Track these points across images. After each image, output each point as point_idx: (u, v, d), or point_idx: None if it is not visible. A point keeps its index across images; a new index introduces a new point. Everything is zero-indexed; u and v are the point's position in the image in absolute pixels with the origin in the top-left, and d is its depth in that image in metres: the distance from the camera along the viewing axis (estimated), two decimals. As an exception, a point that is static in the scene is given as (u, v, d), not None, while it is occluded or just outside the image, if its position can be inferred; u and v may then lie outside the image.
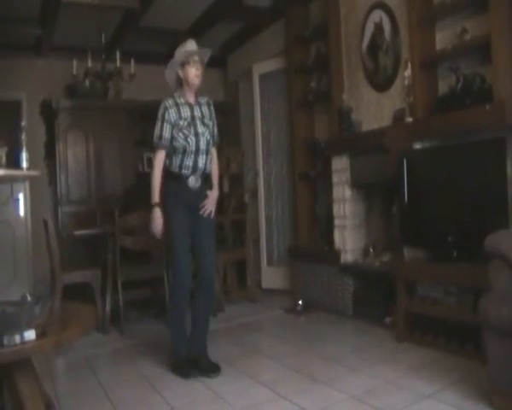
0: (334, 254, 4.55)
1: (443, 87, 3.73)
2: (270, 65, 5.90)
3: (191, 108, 3.28)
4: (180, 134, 3.20)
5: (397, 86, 4.07)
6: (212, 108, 3.39)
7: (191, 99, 3.30)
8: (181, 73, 3.25)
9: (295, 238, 5.49)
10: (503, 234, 2.53)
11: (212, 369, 3.16)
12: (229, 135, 6.51)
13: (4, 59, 5.83)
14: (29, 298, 2.16)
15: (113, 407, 2.74)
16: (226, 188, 6.31)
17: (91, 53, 5.34)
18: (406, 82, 3.82)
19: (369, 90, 4.36)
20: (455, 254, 3.31)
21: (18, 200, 3.93)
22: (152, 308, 4.86)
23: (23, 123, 4.71)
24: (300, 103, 5.33)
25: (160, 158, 3.23)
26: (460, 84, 3.44)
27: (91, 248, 5.10)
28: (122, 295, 4.26)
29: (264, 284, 5.86)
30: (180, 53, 3.24)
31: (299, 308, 4.74)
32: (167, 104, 3.27)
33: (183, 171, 3.22)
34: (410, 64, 3.78)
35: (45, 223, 4.25)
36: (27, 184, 3.96)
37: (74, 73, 5.39)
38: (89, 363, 3.53)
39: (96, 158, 5.99)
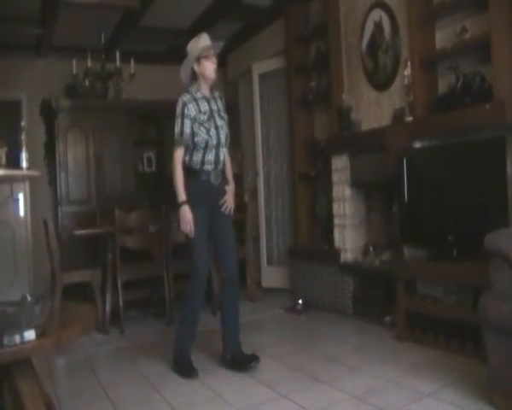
0: (334, 254, 4.55)
1: (443, 86, 3.73)
2: (270, 64, 5.90)
3: (208, 101, 3.27)
4: (202, 128, 3.17)
5: (396, 85, 4.07)
6: (223, 101, 3.39)
7: (207, 93, 3.29)
8: (197, 68, 3.23)
9: (295, 238, 5.48)
10: (503, 233, 2.53)
11: (250, 359, 3.17)
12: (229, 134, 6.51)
13: (4, 59, 5.83)
14: (29, 298, 2.16)
15: (113, 406, 2.75)
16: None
17: (91, 53, 5.35)
18: (406, 81, 3.82)
19: (369, 89, 4.36)
20: (455, 252, 3.31)
21: (18, 200, 3.92)
22: (152, 308, 4.86)
23: (23, 123, 4.70)
24: (300, 103, 5.33)
25: (180, 155, 3.19)
26: (460, 83, 3.44)
27: (91, 247, 5.10)
28: (122, 295, 4.26)
29: (264, 284, 5.86)
30: (195, 48, 3.22)
31: (299, 307, 4.74)
32: (186, 99, 3.21)
33: (206, 166, 3.21)
34: (409, 63, 3.78)
35: (45, 223, 4.25)
36: (27, 184, 3.96)
37: (74, 72, 5.39)
38: (89, 363, 3.53)
39: (96, 158, 5.99)
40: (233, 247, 3.32)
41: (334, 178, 4.58)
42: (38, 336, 1.90)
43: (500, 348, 2.33)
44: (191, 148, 3.20)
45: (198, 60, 3.22)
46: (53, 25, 5.50)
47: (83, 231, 4.59)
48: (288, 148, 5.69)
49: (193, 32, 6.09)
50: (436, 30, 3.78)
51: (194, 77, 3.28)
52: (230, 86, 7.04)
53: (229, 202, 3.30)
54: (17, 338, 1.84)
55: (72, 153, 5.89)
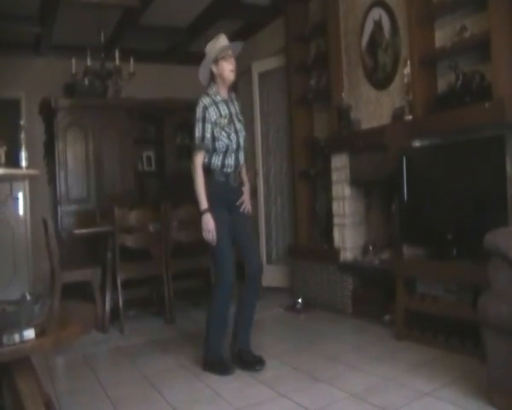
0: (333, 253, 4.55)
1: (442, 85, 3.73)
2: (270, 63, 5.90)
3: (227, 104, 3.25)
4: (223, 133, 3.15)
5: (396, 84, 4.06)
6: (239, 102, 3.39)
7: (225, 95, 3.27)
8: (215, 69, 3.19)
9: (295, 237, 5.48)
10: (503, 232, 2.53)
11: (257, 362, 3.16)
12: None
13: (3, 57, 5.83)
14: (28, 297, 2.16)
15: (112, 405, 2.74)
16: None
17: (90, 51, 5.34)
18: (405, 80, 3.82)
19: (369, 88, 4.36)
20: (454, 251, 3.31)
21: (17, 199, 3.92)
22: (152, 307, 4.86)
23: (22, 122, 4.68)
24: (300, 101, 5.33)
25: (201, 160, 3.15)
26: (459, 82, 3.44)
27: (91, 246, 5.10)
28: (122, 294, 4.25)
29: (264, 282, 5.85)
30: (213, 49, 3.17)
31: (298, 307, 4.74)
32: (206, 103, 3.16)
33: (225, 169, 3.20)
34: (409, 62, 3.78)
35: (45, 222, 4.25)
36: (27, 183, 3.95)
37: (73, 71, 5.38)
38: (88, 362, 3.53)
39: (96, 157, 5.98)
40: (255, 245, 3.37)
41: (334, 176, 4.58)
42: (38, 335, 1.90)
43: (500, 347, 2.33)
44: (211, 151, 3.17)
45: (216, 61, 3.17)
46: (52, 23, 5.50)
47: (82, 230, 4.59)
48: (287, 147, 5.69)
49: (192, 30, 6.13)
50: (436, 29, 3.78)
51: (213, 78, 3.24)
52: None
53: (246, 202, 3.31)
54: (16, 337, 1.84)
55: (72, 152, 5.88)
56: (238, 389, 2.88)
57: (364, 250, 4.46)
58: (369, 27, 4.31)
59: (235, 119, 3.24)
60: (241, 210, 3.28)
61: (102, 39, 5.57)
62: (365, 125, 4.38)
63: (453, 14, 3.61)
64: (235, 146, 3.19)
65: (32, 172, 4.01)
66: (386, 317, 3.90)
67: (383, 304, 3.99)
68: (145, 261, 4.50)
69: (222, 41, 3.19)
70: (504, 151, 3.01)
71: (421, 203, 3.60)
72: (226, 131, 3.16)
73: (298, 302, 4.77)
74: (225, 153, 3.17)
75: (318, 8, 5.16)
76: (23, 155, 3.91)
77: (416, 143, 3.72)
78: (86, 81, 5.69)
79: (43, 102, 5.91)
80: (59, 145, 5.79)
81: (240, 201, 3.28)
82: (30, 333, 1.88)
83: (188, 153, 7.10)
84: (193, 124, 3.17)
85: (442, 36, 3.73)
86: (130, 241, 4.32)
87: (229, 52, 3.18)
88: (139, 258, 4.47)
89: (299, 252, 5.20)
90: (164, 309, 4.46)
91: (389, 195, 4.10)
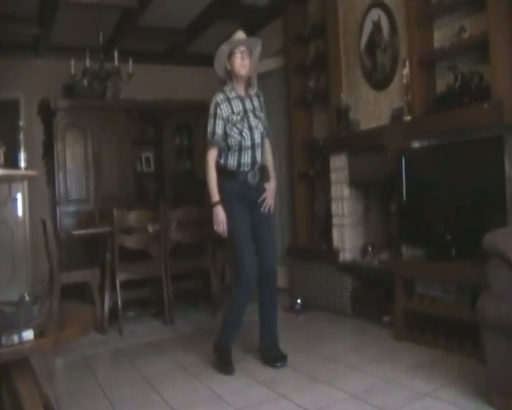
0: (332, 253, 4.55)
1: (441, 85, 3.73)
2: (269, 64, 5.89)
3: (242, 101, 3.22)
4: (234, 129, 3.14)
5: (395, 85, 4.07)
6: (261, 99, 3.34)
7: (241, 92, 3.24)
8: (228, 66, 3.18)
9: (294, 237, 5.48)
10: (502, 232, 2.53)
11: (278, 358, 3.17)
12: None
13: (2, 58, 5.82)
14: (27, 298, 2.15)
15: (111, 406, 2.74)
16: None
17: (89, 52, 5.34)
18: (404, 80, 3.82)
19: (368, 88, 4.36)
20: (453, 252, 3.31)
21: (16, 200, 3.92)
22: (151, 308, 4.85)
23: (21, 122, 4.69)
24: (299, 102, 5.33)
25: (213, 156, 3.16)
26: (458, 83, 3.44)
27: (90, 247, 5.09)
28: (121, 295, 4.25)
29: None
30: (227, 44, 3.16)
31: (297, 307, 4.73)
32: (219, 99, 3.17)
33: (242, 168, 3.17)
34: (408, 62, 3.78)
35: (44, 223, 4.25)
36: (25, 183, 3.95)
37: (72, 72, 5.38)
38: (87, 363, 3.52)
39: (95, 157, 5.98)
40: (273, 245, 3.33)
41: (333, 177, 4.58)
42: (37, 336, 1.90)
43: (498, 347, 2.33)
44: (226, 150, 3.16)
45: (229, 56, 3.16)
46: (51, 24, 5.50)
47: (81, 231, 4.59)
48: (286, 147, 5.69)
49: (191, 31, 6.13)
50: (434, 29, 3.79)
51: (229, 75, 3.23)
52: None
53: (268, 199, 3.26)
54: (15, 338, 1.84)
55: (71, 153, 5.88)
56: (237, 389, 2.88)
57: (363, 251, 4.46)
58: (367, 28, 4.31)
59: (250, 115, 3.20)
60: (262, 209, 3.24)
61: (101, 40, 5.57)
62: (364, 126, 4.38)
63: (452, 14, 3.62)
64: (249, 143, 3.16)
65: (30, 172, 4.01)
66: (386, 318, 3.90)
67: (382, 305, 3.99)
68: (144, 262, 4.50)
69: (236, 35, 3.17)
70: (503, 151, 3.01)
71: (420, 204, 3.60)
72: (238, 128, 3.14)
73: (297, 303, 4.77)
74: (240, 150, 3.15)
75: (317, 8, 5.16)
76: (22, 155, 3.92)
77: (415, 144, 3.72)
78: (85, 82, 5.69)
79: (42, 103, 5.92)
80: (58, 146, 5.80)
81: (261, 198, 3.24)
82: (29, 334, 1.87)
83: (186, 154, 7.16)
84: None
85: (441, 36, 3.73)
86: (129, 242, 4.32)
87: (242, 47, 3.14)
88: (138, 259, 4.47)
89: (298, 253, 5.20)
90: (163, 310, 4.46)
91: (388, 195, 4.10)
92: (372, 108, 4.31)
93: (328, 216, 4.77)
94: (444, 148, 3.52)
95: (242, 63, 3.14)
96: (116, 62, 5.47)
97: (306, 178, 5.29)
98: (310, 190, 5.34)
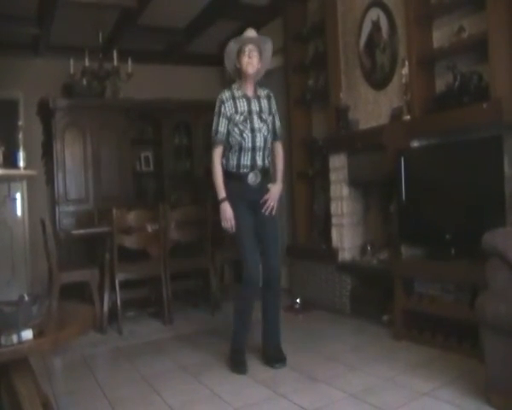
0: (331, 253, 4.55)
1: (440, 85, 3.73)
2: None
3: (249, 101, 3.17)
4: (236, 129, 3.11)
5: (394, 84, 4.07)
6: (272, 100, 3.29)
7: (249, 92, 3.19)
8: (237, 63, 3.15)
9: (293, 237, 5.48)
10: (501, 232, 2.53)
11: (278, 359, 3.17)
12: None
13: (1, 58, 5.81)
14: (26, 298, 2.16)
15: (111, 406, 2.74)
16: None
17: (88, 52, 5.34)
18: (403, 80, 3.82)
19: (367, 88, 4.36)
20: (452, 251, 3.31)
21: (15, 199, 3.92)
22: (150, 307, 4.85)
23: (20, 122, 4.70)
24: (298, 101, 5.33)
25: (218, 153, 3.15)
26: (457, 83, 3.44)
27: (89, 247, 5.10)
28: (120, 295, 4.25)
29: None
30: (234, 42, 3.13)
31: (297, 307, 4.74)
32: (224, 97, 3.15)
33: (242, 170, 3.16)
34: (407, 62, 3.78)
35: (43, 223, 4.25)
36: (25, 183, 3.96)
37: (71, 72, 5.38)
38: (87, 363, 3.52)
39: (94, 157, 5.98)
40: (275, 247, 3.27)
41: (332, 177, 4.58)
42: (36, 335, 1.90)
43: (497, 347, 2.33)
44: (227, 149, 3.16)
45: (237, 55, 3.13)
46: (50, 24, 5.49)
47: (80, 231, 4.59)
48: (285, 147, 5.67)
49: (190, 31, 6.12)
50: (434, 29, 3.79)
51: (238, 74, 3.20)
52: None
53: (269, 200, 3.22)
54: (14, 338, 1.84)
55: (70, 152, 5.88)
56: (236, 389, 2.88)
57: (363, 250, 4.46)
58: (367, 28, 4.31)
59: (254, 117, 3.16)
60: (263, 210, 3.21)
61: (100, 40, 5.57)
62: (363, 126, 4.38)
63: (451, 14, 3.62)
64: (249, 145, 3.13)
65: (30, 172, 4.02)
66: (385, 317, 3.90)
67: (381, 304, 3.99)
68: (143, 262, 4.50)
69: (245, 34, 3.13)
70: (502, 151, 3.01)
71: (419, 203, 3.60)
72: (240, 129, 3.11)
73: (296, 302, 4.77)
74: (240, 151, 3.13)
75: (317, 8, 5.16)
76: (21, 155, 3.92)
77: (414, 143, 3.73)
78: (84, 82, 5.69)
79: (41, 103, 5.92)
80: (57, 145, 5.79)
81: (263, 200, 3.21)
82: (28, 334, 1.87)
83: (186, 153, 7.17)
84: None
85: (440, 36, 3.73)
86: (128, 241, 4.31)
87: (250, 45, 3.10)
88: (137, 258, 4.47)
89: (297, 252, 5.20)
90: (162, 310, 4.45)
91: (387, 195, 4.10)
92: (371, 108, 4.31)
93: (327, 216, 4.77)
94: (443, 147, 3.52)
95: (250, 62, 3.10)
96: (115, 62, 5.47)
97: (306, 178, 5.29)
98: (309, 190, 5.34)
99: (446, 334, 3.26)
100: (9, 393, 2.09)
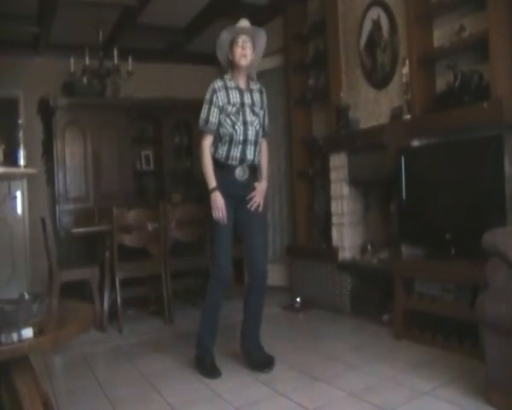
0: (332, 252, 4.55)
1: (441, 84, 3.73)
2: (268, 62, 5.87)
3: (241, 93, 3.07)
4: (227, 120, 3.00)
5: (395, 84, 4.07)
6: (264, 96, 3.20)
7: (242, 84, 3.10)
8: (229, 54, 3.05)
9: (293, 236, 5.49)
10: (501, 231, 2.53)
11: (264, 363, 3.08)
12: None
13: (1, 56, 5.81)
14: (27, 296, 2.16)
15: (111, 405, 2.74)
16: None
17: (89, 50, 5.34)
18: (404, 79, 3.82)
19: (367, 87, 4.36)
20: (453, 251, 3.32)
21: (15, 198, 3.92)
22: (150, 306, 4.85)
23: (20, 121, 4.69)
24: (298, 101, 5.33)
25: (207, 143, 3.04)
26: (458, 82, 3.44)
27: (89, 245, 5.09)
28: (120, 293, 4.25)
29: (263, 282, 5.85)
30: (226, 32, 3.03)
31: (297, 306, 4.74)
32: (216, 86, 3.03)
33: (230, 162, 3.05)
34: (407, 61, 3.78)
35: (43, 221, 4.25)
36: (25, 181, 3.96)
37: (72, 70, 5.39)
38: (87, 361, 3.52)
39: (94, 156, 5.98)
40: (262, 246, 3.17)
41: (333, 176, 4.58)
42: (36, 334, 1.90)
43: (498, 347, 2.33)
44: (217, 139, 3.04)
45: (230, 45, 3.03)
46: (51, 22, 5.49)
47: (81, 229, 4.59)
48: (286, 146, 5.69)
49: (191, 30, 6.12)
50: (434, 28, 3.79)
51: (231, 65, 3.09)
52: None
53: (256, 198, 3.11)
54: (15, 336, 1.84)
55: (70, 151, 5.87)
56: (237, 388, 2.88)
57: (363, 250, 4.46)
58: (367, 27, 4.31)
59: (247, 109, 3.06)
60: (248, 207, 3.10)
61: (101, 38, 5.57)
62: (364, 125, 4.38)
63: (452, 13, 3.62)
64: (241, 138, 3.02)
65: (30, 170, 4.02)
66: (385, 316, 3.91)
67: (382, 303, 3.99)
68: (143, 261, 4.50)
69: (238, 24, 3.04)
70: (503, 151, 3.01)
71: (419, 203, 3.60)
72: (232, 120, 3.00)
73: (296, 302, 4.78)
74: (230, 143, 3.02)
75: (317, 7, 5.16)
76: (21, 153, 3.92)
77: (415, 143, 3.72)
78: (85, 80, 5.69)
79: (41, 101, 5.91)
80: (57, 144, 5.79)
81: (249, 196, 3.11)
82: (28, 332, 1.87)
83: (186, 152, 7.17)
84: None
85: (440, 35, 3.73)
86: (128, 240, 4.31)
87: (243, 36, 3.01)
88: (137, 257, 4.47)
89: (297, 251, 5.20)
90: (162, 309, 4.46)
91: (387, 194, 4.10)
92: (372, 107, 4.31)
93: (327, 215, 4.77)
94: (443, 147, 3.52)
95: (243, 53, 3.00)
96: (116, 60, 5.47)
97: (306, 177, 5.29)
98: (309, 189, 5.34)
99: (446, 333, 3.26)
100: (10, 391, 2.09)
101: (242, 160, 3.06)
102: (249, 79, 3.18)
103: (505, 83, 3.17)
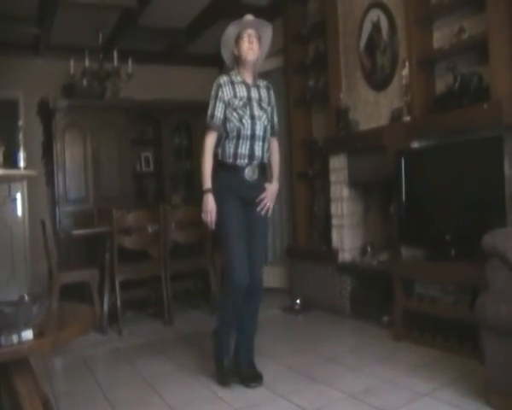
0: (331, 254, 4.55)
1: (440, 86, 3.73)
2: (268, 64, 5.87)
3: (248, 88, 2.96)
4: (234, 114, 2.88)
5: (394, 85, 4.07)
6: (271, 92, 3.08)
7: (249, 79, 2.98)
8: (235, 50, 2.94)
9: (293, 237, 5.48)
10: (501, 233, 2.53)
11: (253, 378, 2.92)
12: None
13: (2, 58, 5.82)
14: (27, 298, 2.15)
15: (111, 407, 2.74)
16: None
17: (89, 52, 5.34)
18: (404, 81, 3.83)
19: (367, 89, 4.36)
20: (452, 252, 3.31)
21: (15, 200, 3.93)
22: (150, 308, 4.85)
23: (20, 122, 4.70)
24: (298, 102, 5.33)
25: (210, 140, 2.90)
26: (457, 83, 3.44)
27: (89, 247, 5.09)
28: (120, 295, 4.25)
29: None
30: (232, 26, 2.94)
31: (296, 307, 4.74)
32: (222, 81, 2.92)
33: (239, 161, 2.90)
34: (407, 63, 3.78)
35: (43, 223, 4.25)
36: (25, 183, 3.96)
37: (72, 72, 5.38)
38: (86, 363, 3.52)
39: (94, 157, 5.98)
40: (262, 253, 3.05)
41: (332, 177, 4.58)
42: (36, 336, 1.90)
43: (498, 348, 2.33)
44: (223, 137, 2.91)
45: (236, 41, 2.93)
46: (51, 24, 5.50)
47: (80, 231, 4.58)
48: (285, 147, 5.67)
49: (191, 31, 6.12)
50: (434, 30, 3.79)
51: (236, 62, 2.99)
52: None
53: (267, 200, 2.98)
54: (14, 338, 1.84)
55: (70, 152, 5.87)
56: (237, 389, 2.88)
57: (363, 251, 4.46)
58: (367, 28, 4.31)
59: (254, 104, 2.94)
60: (258, 209, 2.96)
61: (101, 40, 5.57)
62: (363, 127, 4.38)
63: (451, 15, 3.62)
64: (248, 133, 2.89)
65: (30, 172, 4.02)
66: (385, 318, 3.90)
67: (381, 305, 3.99)
68: (143, 262, 4.50)
69: (244, 18, 2.96)
70: (502, 152, 3.01)
71: (419, 204, 3.60)
72: (239, 114, 2.88)
73: (296, 303, 4.77)
74: (238, 139, 2.89)
75: (317, 8, 5.16)
76: (21, 155, 3.91)
77: (415, 144, 3.72)
78: (84, 82, 5.68)
79: (41, 103, 5.92)
80: (57, 146, 5.79)
81: (259, 198, 2.96)
82: (28, 334, 1.87)
83: (186, 154, 7.17)
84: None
85: (440, 37, 3.73)
86: (128, 242, 4.31)
87: (250, 30, 2.92)
88: (137, 259, 4.47)
89: (297, 253, 5.20)
90: (162, 310, 4.45)
91: (387, 196, 4.10)
92: (371, 109, 4.31)
93: (327, 216, 4.77)
94: (443, 148, 3.52)
95: (250, 47, 2.90)
96: (115, 62, 5.47)
97: (306, 179, 5.29)
98: (309, 191, 5.33)
99: (446, 335, 3.26)
100: (9, 393, 2.09)
101: (251, 157, 2.92)
102: (255, 74, 3.07)
103: (505, 84, 3.17)
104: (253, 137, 2.91)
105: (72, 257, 5.24)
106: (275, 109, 3.12)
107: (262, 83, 3.08)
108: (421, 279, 3.56)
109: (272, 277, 5.81)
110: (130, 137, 6.29)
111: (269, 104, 3.04)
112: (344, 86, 4.61)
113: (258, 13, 5.61)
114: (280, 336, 4.03)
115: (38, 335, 1.91)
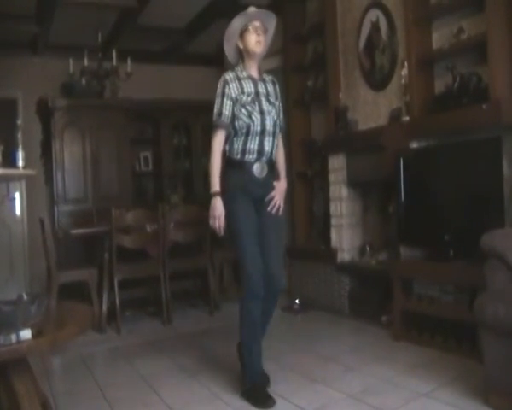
0: (330, 253, 4.55)
1: (439, 86, 3.73)
2: (267, 63, 5.86)
3: (255, 82, 2.86)
4: (243, 110, 2.76)
5: (393, 85, 4.07)
6: (277, 87, 3.00)
7: (255, 73, 2.89)
8: (240, 44, 2.83)
9: (292, 237, 5.48)
10: (499, 233, 2.54)
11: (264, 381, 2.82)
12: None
13: (0, 57, 5.81)
14: (25, 297, 2.15)
15: (109, 406, 2.74)
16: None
17: (88, 51, 5.34)
18: (403, 81, 3.83)
19: (366, 89, 4.36)
20: (451, 252, 3.31)
21: (14, 199, 3.92)
22: (149, 307, 4.85)
23: (19, 121, 4.69)
24: (297, 102, 5.33)
25: (219, 140, 2.78)
26: (456, 84, 3.45)
27: (88, 247, 5.09)
28: (119, 294, 4.25)
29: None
30: (237, 19, 2.79)
31: (295, 307, 4.74)
32: (228, 78, 2.81)
33: (247, 157, 2.78)
34: (406, 63, 3.78)
35: (41, 222, 4.24)
36: (24, 183, 3.96)
37: (71, 71, 5.38)
38: (85, 362, 3.52)
39: (93, 157, 5.98)
40: (279, 253, 2.90)
41: (331, 177, 4.58)
42: (34, 335, 1.90)
43: (496, 348, 2.33)
44: (232, 134, 2.79)
45: (241, 34, 2.81)
46: (50, 23, 5.49)
47: (79, 230, 4.58)
48: (284, 147, 5.67)
49: (190, 31, 6.12)
50: (433, 30, 3.79)
51: (241, 56, 2.89)
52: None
53: (276, 198, 2.87)
54: (13, 337, 1.84)
55: (69, 152, 5.87)
56: (236, 389, 2.87)
57: (362, 251, 4.47)
58: (366, 28, 4.31)
59: (262, 99, 2.84)
60: (269, 209, 2.84)
61: (100, 39, 5.57)
62: (362, 126, 4.38)
63: (450, 15, 3.62)
64: (258, 128, 2.77)
65: (28, 172, 4.01)
66: (384, 318, 3.90)
67: (380, 305, 3.99)
68: (142, 262, 4.50)
69: (249, 11, 2.81)
70: (501, 152, 3.02)
71: (418, 204, 3.60)
72: (248, 110, 2.77)
73: (295, 303, 4.77)
74: (247, 135, 2.77)
75: (316, 8, 5.16)
76: (20, 154, 3.92)
77: (414, 145, 3.73)
78: (83, 81, 5.68)
79: (40, 102, 5.91)
80: (56, 145, 5.79)
81: (268, 197, 2.85)
82: (26, 333, 1.87)
83: (185, 153, 7.16)
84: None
85: (439, 37, 3.73)
86: (127, 241, 4.31)
87: (256, 23, 2.78)
88: (136, 258, 4.46)
89: (296, 253, 5.20)
90: (161, 310, 4.45)
91: (386, 196, 4.11)
92: (370, 109, 4.31)
93: (326, 216, 4.77)
94: (442, 148, 3.53)
95: (258, 39, 2.79)
96: (114, 61, 5.47)
97: (305, 178, 5.29)
98: (308, 191, 5.34)
99: (445, 335, 3.26)
100: (8, 392, 2.08)
101: (260, 153, 2.80)
102: (261, 68, 2.99)
103: (504, 84, 3.18)
104: (262, 132, 2.81)
105: (71, 256, 5.23)
106: (281, 105, 3.05)
107: (267, 77, 3.01)
108: (420, 279, 3.57)
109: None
110: (129, 136, 6.29)
111: (276, 98, 2.97)
112: (343, 86, 4.61)
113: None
114: (279, 336, 4.02)
115: (37, 334, 1.91)
